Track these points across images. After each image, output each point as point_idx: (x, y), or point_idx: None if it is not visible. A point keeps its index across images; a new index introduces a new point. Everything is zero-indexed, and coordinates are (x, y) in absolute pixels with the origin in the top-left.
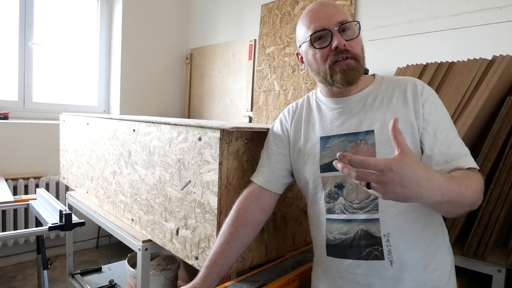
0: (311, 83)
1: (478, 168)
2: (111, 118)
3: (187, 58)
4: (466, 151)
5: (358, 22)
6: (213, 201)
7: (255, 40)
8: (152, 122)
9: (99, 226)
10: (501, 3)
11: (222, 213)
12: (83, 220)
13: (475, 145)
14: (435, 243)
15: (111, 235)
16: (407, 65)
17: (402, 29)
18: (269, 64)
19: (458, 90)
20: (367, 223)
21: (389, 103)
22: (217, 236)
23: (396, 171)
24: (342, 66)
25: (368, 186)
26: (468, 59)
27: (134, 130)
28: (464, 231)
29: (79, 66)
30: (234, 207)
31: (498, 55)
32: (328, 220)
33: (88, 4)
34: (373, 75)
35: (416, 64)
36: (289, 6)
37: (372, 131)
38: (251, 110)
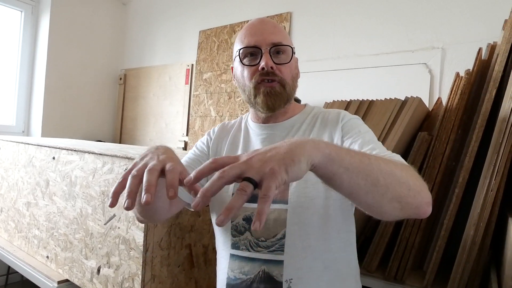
0: (246, 110)
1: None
2: (27, 143)
3: (120, 79)
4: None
5: (292, 48)
6: (139, 237)
7: (192, 65)
8: (75, 150)
9: None
10: (413, 47)
11: (148, 250)
12: None
13: None
14: None
15: None
16: (333, 101)
17: (330, 64)
18: (205, 90)
19: (377, 127)
20: (269, 265)
21: (310, 134)
22: (142, 275)
23: (250, 153)
24: (266, 88)
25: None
26: (385, 99)
27: (54, 158)
28: (386, 256)
29: None
30: None
31: (409, 96)
32: (231, 256)
33: (9, 15)
34: (305, 104)
35: (341, 100)
36: (227, 34)
37: None
38: (187, 134)
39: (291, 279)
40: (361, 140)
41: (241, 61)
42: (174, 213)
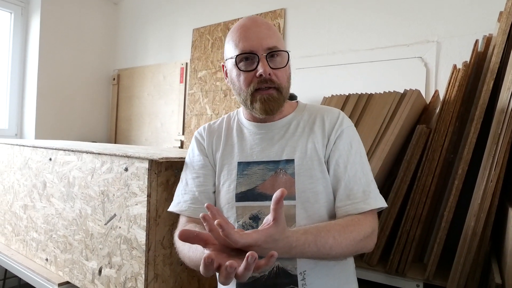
0: None
1: (384, 205)
2: (23, 145)
3: (114, 79)
4: (369, 191)
5: (288, 53)
6: (141, 236)
7: (186, 63)
8: (72, 151)
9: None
10: (409, 41)
11: (150, 249)
12: None
13: (392, 169)
14: (346, 278)
15: None
16: (332, 95)
17: (326, 60)
18: (201, 88)
19: (376, 120)
20: (283, 260)
21: (311, 131)
22: (145, 275)
23: (263, 246)
24: (263, 95)
25: None
26: (384, 92)
27: (50, 159)
28: (387, 250)
29: None
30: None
31: (408, 89)
32: None
33: None
34: (297, 101)
35: (339, 94)
36: (221, 32)
37: (292, 160)
38: (183, 133)
39: (305, 271)
40: (350, 167)
41: (236, 65)
42: None
